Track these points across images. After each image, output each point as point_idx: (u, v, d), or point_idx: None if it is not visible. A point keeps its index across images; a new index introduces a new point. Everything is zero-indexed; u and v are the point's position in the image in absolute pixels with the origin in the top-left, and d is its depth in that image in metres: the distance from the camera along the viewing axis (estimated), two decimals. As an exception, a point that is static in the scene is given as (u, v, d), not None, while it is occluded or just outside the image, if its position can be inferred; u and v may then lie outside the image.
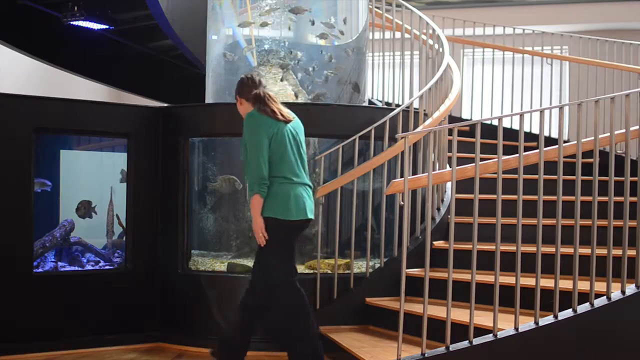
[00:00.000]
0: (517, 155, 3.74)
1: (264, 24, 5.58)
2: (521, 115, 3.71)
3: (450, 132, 4.50)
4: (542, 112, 3.80)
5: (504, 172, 3.74)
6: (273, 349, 4.63)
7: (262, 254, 3.93)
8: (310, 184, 4.03)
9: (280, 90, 5.52)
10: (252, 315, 3.95)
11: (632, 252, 3.75)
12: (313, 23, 5.62)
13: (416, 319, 3.94)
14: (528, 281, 3.85)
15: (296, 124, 4.06)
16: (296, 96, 5.46)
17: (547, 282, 3.74)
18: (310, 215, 3.97)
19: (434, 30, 5.92)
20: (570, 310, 3.63)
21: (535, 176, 3.69)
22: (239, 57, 5.65)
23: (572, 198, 3.74)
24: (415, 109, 5.15)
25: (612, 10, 9.34)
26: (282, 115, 3.97)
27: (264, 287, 3.92)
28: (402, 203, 3.93)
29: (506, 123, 6.91)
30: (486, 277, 4.18)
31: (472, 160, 3.78)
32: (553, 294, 3.62)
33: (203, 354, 4.46)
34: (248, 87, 4.04)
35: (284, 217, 3.85)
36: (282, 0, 5.55)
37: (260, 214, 3.83)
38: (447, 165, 5.26)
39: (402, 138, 4.20)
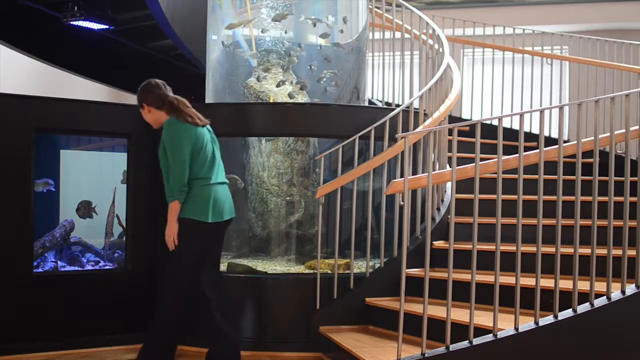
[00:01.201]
0: (517, 155, 3.74)
1: (264, 30, 5.59)
2: (521, 115, 3.71)
3: (450, 132, 4.51)
4: (542, 112, 3.80)
5: (504, 172, 3.74)
6: (273, 349, 4.65)
7: (171, 257, 3.95)
8: (227, 180, 4.13)
9: (281, 90, 5.51)
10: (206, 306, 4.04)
11: (632, 252, 3.75)
12: (315, 24, 5.61)
13: (416, 319, 3.94)
14: (528, 281, 3.85)
15: (208, 126, 4.13)
16: (290, 96, 5.45)
17: (547, 282, 3.73)
18: (229, 216, 4.06)
19: (434, 30, 5.91)
20: (570, 310, 3.63)
21: (535, 176, 3.69)
22: (235, 48, 5.66)
23: (572, 198, 3.74)
24: (415, 109, 5.15)
25: (612, 10, 9.33)
26: (199, 119, 4.00)
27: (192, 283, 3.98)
28: (402, 203, 3.93)
29: (506, 123, 6.91)
30: (486, 277, 4.18)
31: (472, 160, 3.78)
32: (553, 294, 3.61)
33: (203, 354, 4.45)
34: (156, 94, 4.07)
35: (201, 219, 3.90)
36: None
37: (177, 218, 3.89)
38: (447, 165, 5.26)
39: (402, 138, 4.20)
